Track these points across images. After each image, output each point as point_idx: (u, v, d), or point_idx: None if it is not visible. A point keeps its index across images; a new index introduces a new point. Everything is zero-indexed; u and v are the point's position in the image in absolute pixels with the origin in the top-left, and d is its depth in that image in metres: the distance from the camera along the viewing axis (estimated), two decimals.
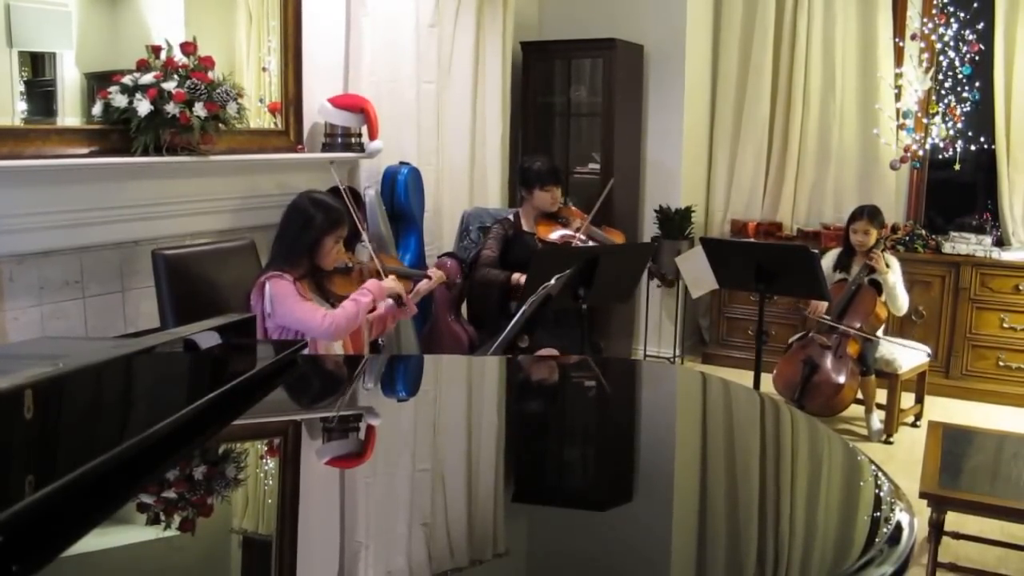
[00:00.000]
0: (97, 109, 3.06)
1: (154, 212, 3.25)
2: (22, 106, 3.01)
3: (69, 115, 3.13)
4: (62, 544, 1.05)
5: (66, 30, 3.12)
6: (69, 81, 3.16)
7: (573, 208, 4.40)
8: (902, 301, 4.39)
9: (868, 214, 4.39)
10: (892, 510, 1.12)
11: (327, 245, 2.93)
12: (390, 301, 3.16)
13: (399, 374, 2.27)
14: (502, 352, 2.73)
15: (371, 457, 1.57)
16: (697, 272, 4.42)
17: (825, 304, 4.31)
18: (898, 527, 1.07)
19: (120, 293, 3.23)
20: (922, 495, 2.77)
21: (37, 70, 3.13)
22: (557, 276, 2.92)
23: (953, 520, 2.91)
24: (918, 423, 4.53)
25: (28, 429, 1.04)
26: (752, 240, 5.37)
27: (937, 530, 2.80)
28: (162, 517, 1.22)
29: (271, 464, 1.55)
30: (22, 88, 3.01)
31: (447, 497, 1.34)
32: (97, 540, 1.12)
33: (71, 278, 3.05)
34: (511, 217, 4.22)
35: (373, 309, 3.15)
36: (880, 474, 1.27)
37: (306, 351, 2.75)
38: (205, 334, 1.60)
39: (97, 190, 3.03)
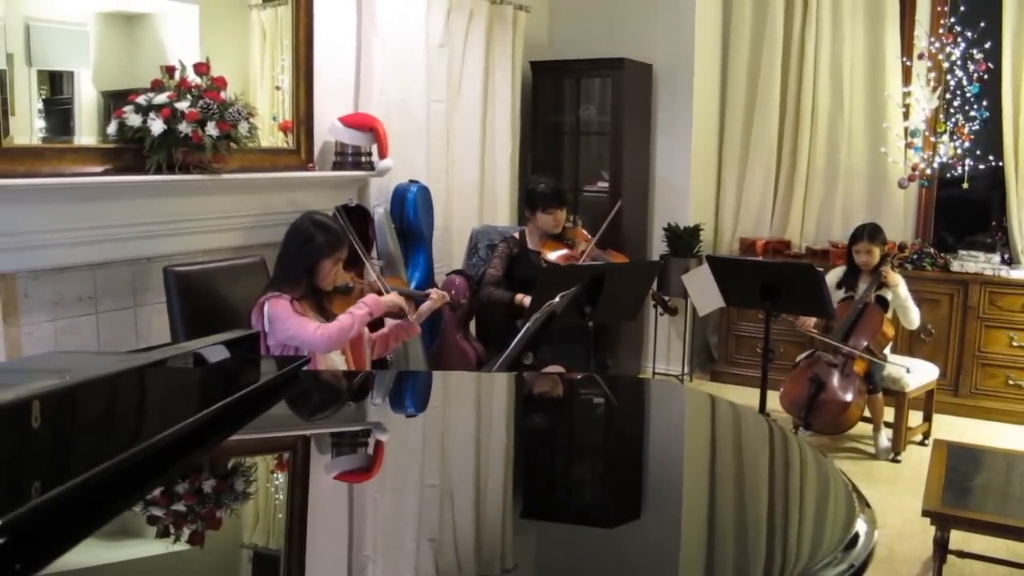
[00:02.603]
0: (112, 128, 3.11)
1: (167, 229, 3.29)
2: (40, 124, 3.05)
3: (85, 133, 3.18)
4: (64, 546, 1.09)
5: (84, 49, 3.17)
6: (86, 99, 3.21)
7: (580, 229, 4.39)
8: (913, 315, 4.40)
9: (869, 234, 4.40)
10: (854, 521, 1.23)
11: (325, 267, 2.95)
12: (394, 320, 3.15)
13: (407, 390, 2.29)
14: (506, 369, 2.74)
15: (379, 472, 1.58)
16: (704, 290, 4.43)
17: (813, 319, 4.33)
18: (855, 536, 1.17)
19: (132, 309, 3.26)
20: (925, 513, 2.78)
21: (55, 88, 3.18)
22: (562, 294, 2.93)
23: (959, 539, 2.91)
24: (926, 441, 4.51)
25: (35, 437, 1.09)
26: (758, 258, 5.38)
27: (942, 548, 2.80)
28: (171, 530, 1.25)
29: (280, 478, 1.57)
30: (40, 106, 3.07)
31: (455, 513, 1.35)
32: (106, 553, 1.15)
33: (85, 294, 3.09)
34: (516, 235, 4.23)
35: (377, 326, 3.15)
36: (851, 488, 1.35)
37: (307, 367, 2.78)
38: (208, 349, 1.63)
39: (111, 208, 3.07)
